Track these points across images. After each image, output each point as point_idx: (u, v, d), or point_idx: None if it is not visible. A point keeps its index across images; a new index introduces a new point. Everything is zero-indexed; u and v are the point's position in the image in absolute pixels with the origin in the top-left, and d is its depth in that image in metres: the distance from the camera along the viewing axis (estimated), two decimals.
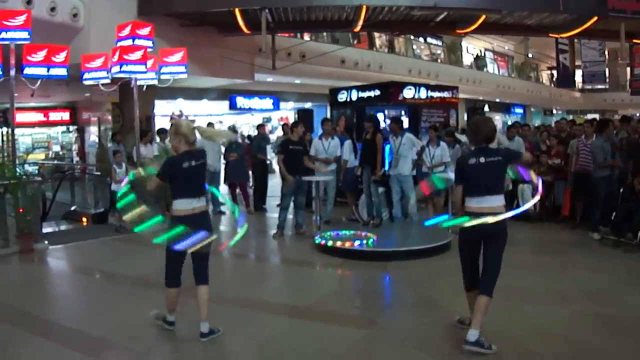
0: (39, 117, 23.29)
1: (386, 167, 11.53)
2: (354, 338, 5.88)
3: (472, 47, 34.96)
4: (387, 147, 11.61)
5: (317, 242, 9.69)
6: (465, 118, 26.29)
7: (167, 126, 18.15)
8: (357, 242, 9.27)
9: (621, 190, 10.39)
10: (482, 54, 35.88)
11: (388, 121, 13.17)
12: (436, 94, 15.33)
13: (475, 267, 5.49)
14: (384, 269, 8.57)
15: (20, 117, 21.10)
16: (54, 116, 23.65)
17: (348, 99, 15.28)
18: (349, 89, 15.36)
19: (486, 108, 33.74)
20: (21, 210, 10.21)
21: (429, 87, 15.32)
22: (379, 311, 6.88)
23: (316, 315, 6.53)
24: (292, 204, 11.17)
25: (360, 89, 15.10)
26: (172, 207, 5.68)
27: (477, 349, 5.15)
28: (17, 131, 20.18)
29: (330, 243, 9.40)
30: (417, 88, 14.79)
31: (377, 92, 14.54)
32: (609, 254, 9.33)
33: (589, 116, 34.69)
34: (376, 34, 25.85)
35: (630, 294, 7.20)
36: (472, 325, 5.26)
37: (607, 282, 7.64)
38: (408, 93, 14.45)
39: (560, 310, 6.45)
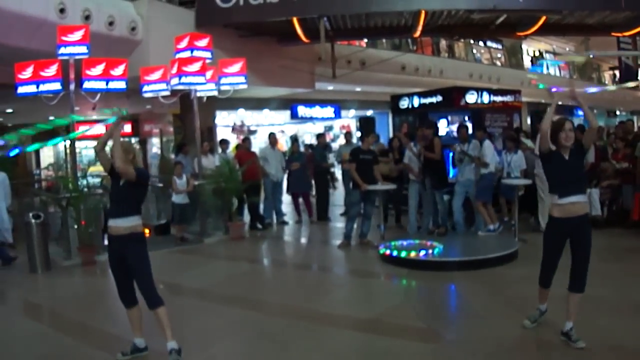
0: (101, 130, 23.65)
1: (450, 174, 11.31)
2: (420, 353, 5.65)
3: (532, 49, 34.31)
4: (451, 154, 11.41)
5: (382, 252, 9.50)
6: (529, 122, 25.70)
7: (229, 137, 18.30)
8: (422, 252, 9.05)
9: None
10: (541, 54, 35.16)
11: (451, 127, 12.95)
12: (499, 98, 15.04)
13: None
14: (450, 279, 8.30)
15: (83, 130, 21.56)
16: None
17: (410, 106, 15.13)
18: (410, 95, 15.20)
19: None
20: (83, 223, 10.31)
21: (491, 92, 15.03)
22: (446, 324, 6.64)
23: (381, 329, 6.31)
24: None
25: (422, 95, 14.93)
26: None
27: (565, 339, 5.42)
28: (80, 144, 20.62)
29: (395, 253, 9.20)
30: (480, 93, 14.49)
31: (439, 98, 14.33)
32: None
33: None
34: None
35: None
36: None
37: None
38: (471, 98, 14.18)
39: (634, 322, 6.09)
